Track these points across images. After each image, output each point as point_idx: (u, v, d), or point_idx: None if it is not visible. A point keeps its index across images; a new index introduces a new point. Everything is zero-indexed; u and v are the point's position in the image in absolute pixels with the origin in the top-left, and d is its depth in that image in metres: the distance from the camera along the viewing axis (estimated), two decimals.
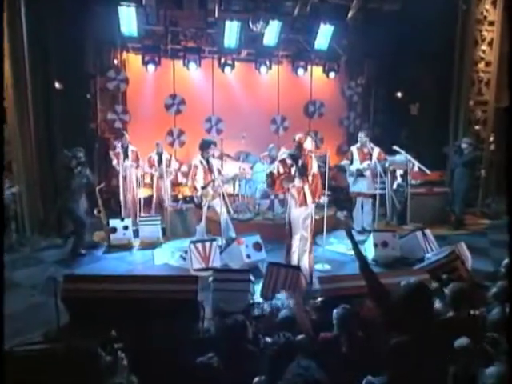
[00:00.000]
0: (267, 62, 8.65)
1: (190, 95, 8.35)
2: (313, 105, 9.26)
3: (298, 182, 4.24)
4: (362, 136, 5.99)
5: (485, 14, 7.07)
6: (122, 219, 5.57)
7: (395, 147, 6.22)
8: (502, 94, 7.36)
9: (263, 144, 7.79)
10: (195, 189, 5.04)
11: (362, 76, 9.50)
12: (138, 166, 6.61)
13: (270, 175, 4.33)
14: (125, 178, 6.49)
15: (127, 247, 5.43)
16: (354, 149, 6.12)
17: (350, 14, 8.04)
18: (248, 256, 4.39)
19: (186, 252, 4.89)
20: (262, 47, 8.47)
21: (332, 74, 9.16)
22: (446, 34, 7.30)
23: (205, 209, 5.24)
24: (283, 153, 4.44)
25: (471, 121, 7.58)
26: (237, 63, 8.63)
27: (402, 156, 6.36)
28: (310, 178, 4.27)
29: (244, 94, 8.76)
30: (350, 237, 2.69)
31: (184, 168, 8.41)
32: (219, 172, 5.29)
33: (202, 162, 5.11)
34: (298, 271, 3.59)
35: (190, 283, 3.17)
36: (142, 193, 6.80)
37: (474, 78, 7.39)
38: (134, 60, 8.23)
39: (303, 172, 4.23)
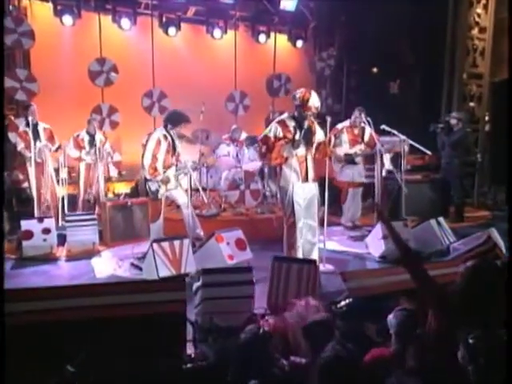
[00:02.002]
0: (222, 25, 8.30)
1: (123, 61, 7.63)
2: (278, 79, 9.07)
3: (301, 150, 4.01)
4: (357, 114, 5.82)
5: None
6: (41, 219, 4.74)
7: (384, 126, 6.18)
8: (497, 67, 7.78)
9: (219, 126, 7.43)
10: (156, 170, 4.48)
11: (333, 46, 9.54)
12: (58, 149, 5.78)
13: (265, 139, 3.98)
14: (38, 164, 5.61)
15: (49, 258, 4.63)
16: (342, 127, 5.95)
17: None
18: (230, 256, 3.97)
19: (139, 258, 4.32)
20: (216, 4, 8.12)
21: (299, 43, 9.08)
22: None
23: (163, 200, 4.71)
24: (282, 116, 4.13)
25: (466, 97, 7.91)
26: (183, 25, 8.16)
27: (395, 136, 6.36)
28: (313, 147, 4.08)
29: (193, 63, 8.29)
30: (385, 220, 2.65)
31: (117, 157, 7.67)
32: (178, 157, 4.80)
33: (166, 138, 4.56)
34: (315, 265, 3.28)
35: (174, 290, 2.62)
36: (63, 190, 5.99)
37: (468, 46, 7.73)
38: (40, 9, 7.26)
39: (309, 137, 4.00)
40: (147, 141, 4.54)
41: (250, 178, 6.16)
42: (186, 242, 3.94)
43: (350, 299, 3.07)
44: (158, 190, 4.52)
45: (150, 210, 5.13)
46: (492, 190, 7.63)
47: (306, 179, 4.09)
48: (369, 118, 5.65)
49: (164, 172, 4.53)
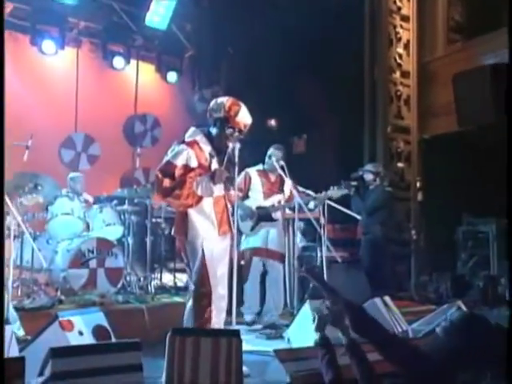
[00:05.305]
0: (56, 36, 8.32)
1: None
2: (142, 122, 9.25)
3: (219, 187, 4.03)
4: (275, 153, 5.97)
5: (398, 3, 8.87)
6: None
7: (297, 187, 6.49)
8: (426, 121, 8.97)
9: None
10: None
11: (218, 85, 10.11)
12: None
13: (169, 169, 3.86)
14: None
15: None
16: (252, 173, 6.08)
17: None
18: None
19: None
20: (46, 4, 8.05)
21: (172, 76, 9.52)
22: (351, 28, 8.65)
23: None
24: (190, 133, 4.09)
25: (392, 155, 8.84)
26: None
27: (311, 200, 6.65)
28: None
29: (10, 83, 7.97)
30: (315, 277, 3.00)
31: None
32: None
33: None
34: (238, 338, 3.25)
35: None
36: None
37: (391, 92, 8.85)
38: None
39: (232, 170, 4.05)
40: None
41: (106, 249, 5.87)
42: (7, 328, 3.44)
43: None
44: None
45: None
46: (434, 278, 8.24)
47: (227, 229, 4.10)
48: (283, 163, 5.84)
49: None
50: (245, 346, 5.01)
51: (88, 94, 8.68)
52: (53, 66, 8.52)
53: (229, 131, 4.00)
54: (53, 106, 8.32)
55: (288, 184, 5.99)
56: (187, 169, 3.89)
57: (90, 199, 6.89)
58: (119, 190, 6.81)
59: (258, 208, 5.90)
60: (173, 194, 3.86)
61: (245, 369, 4.20)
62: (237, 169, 4.29)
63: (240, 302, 5.82)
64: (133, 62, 9.15)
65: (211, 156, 4.03)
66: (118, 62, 8.88)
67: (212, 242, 4.00)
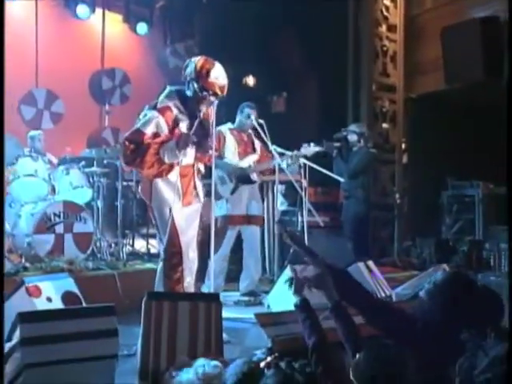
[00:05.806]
0: None
1: None
2: (109, 77, 9.09)
3: (190, 155, 4.05)
4: (252, 111, 5.90)
5: None
6: None
7: (275, 147, 6.48)
8: (412, 78, 8.99)
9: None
10: None
11: (192, 39, 9.94)
12: None
13: (136, 136, 3.84)
14: None
15: None
16: (225, 131, 6.02)
17: None
18: None
19: None
20: None
21: (142, 28, 9.35)
22: None
23: None
24: (164, 97, 4.08)
25: (377, 115, 8.87)
26: None
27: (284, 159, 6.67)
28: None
29: None
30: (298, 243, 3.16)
31: None
32: None
33: None
34: (217, 301, 3.36)
35: None
36: None
37: (377, 47, 8.82)
38: None
39: (203, 136, 4.03)
40: None
41: (74, 213, 5.82)
42: None
43: (276, 354, 3.01)
44: None
45: None
46: (417, 243, 8.40)
47: (194, 198, 4.17)
48: (262, 121, 5.79)
49: None
50: (223, 313, 5.11)
51: (49, 46, 8.42)
52: (9, 13, 8.20)
53: (203, 94, 3.94)
54: (10, 58, 8.03)
55: (258, 144, 6.01)
56: (156, 137, 3.87)
57: (54, 160, 6.81)
58: (87, 150, 6.72)
59: (239, 169, 5.89)
60: (135, 161, 3.88)
61: (224, 335, 4.29)
62: (214, 130, 4.29)
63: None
64: (98, 10, 8.89)
65: (178, 120, 3.99)
66: (82, 10, 8.64)
67: (178, 209, 4.04)
